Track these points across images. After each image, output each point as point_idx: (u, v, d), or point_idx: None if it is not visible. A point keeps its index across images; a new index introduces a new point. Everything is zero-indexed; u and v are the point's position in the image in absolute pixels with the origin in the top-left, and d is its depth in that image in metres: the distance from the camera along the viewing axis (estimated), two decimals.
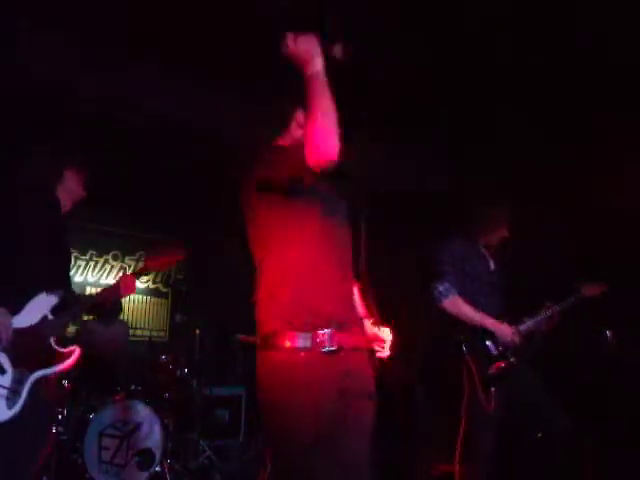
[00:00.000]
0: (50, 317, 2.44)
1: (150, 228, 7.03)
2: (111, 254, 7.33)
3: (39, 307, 2.43)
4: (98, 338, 5.19)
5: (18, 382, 2.30)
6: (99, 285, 7.06)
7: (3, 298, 2.34)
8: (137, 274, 2.80)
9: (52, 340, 2.45)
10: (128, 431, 4.25)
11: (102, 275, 7.21)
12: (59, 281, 2.56)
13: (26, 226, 2.48)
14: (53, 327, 2.45)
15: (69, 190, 2.70)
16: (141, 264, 2.83)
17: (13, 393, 2.28)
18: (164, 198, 6.08)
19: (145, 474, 4.18)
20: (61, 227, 2.68)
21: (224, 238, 6.70)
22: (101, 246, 7.22)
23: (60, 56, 4.16)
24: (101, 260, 7.27)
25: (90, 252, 7.18)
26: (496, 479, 3.25)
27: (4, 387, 2.27)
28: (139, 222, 6.97)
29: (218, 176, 5.54)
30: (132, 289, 2.68)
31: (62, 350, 2.46)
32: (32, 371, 2.35)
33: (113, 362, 5.13)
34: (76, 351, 2.48)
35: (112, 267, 7.29)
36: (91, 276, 7.15)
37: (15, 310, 2.36)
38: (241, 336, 3.94)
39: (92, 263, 7.19)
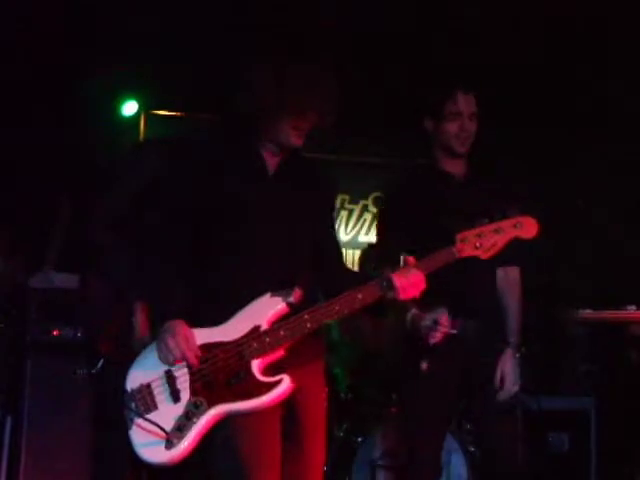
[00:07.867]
0: (264, 328, 1.67)
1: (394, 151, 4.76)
2: (371, 197, 5.03)
3: (254, 314, 1.69)
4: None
5: (186, 416, 1.64)
6: (358, 246, 4.86)
7: (203, 306, 1.76)
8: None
9: (255, 363, 1.66)
10: None
11: (360, 230, 5.11)
12: (290, 272, 1.75)
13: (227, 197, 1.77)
14: (261, 345, 1.66)
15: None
16: None
17: (176, 430, 1.63)
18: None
19: None
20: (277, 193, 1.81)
21: None
22: (356, 186, 4.90)
23: None
24: (357, 208, 5.07)
25: (340, 197, 4.86)
26: None
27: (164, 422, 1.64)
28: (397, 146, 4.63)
29: None
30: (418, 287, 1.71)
31: (265, 380, 1.66)
32: (212, 404, 1.64)
33: None
34: (284, 382, 1.64)
35: (374, 216, 4.77)
36: (344, 233, 4.98)
37: (220, 318, 1.71)
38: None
39: (344, 213, 5.02)
